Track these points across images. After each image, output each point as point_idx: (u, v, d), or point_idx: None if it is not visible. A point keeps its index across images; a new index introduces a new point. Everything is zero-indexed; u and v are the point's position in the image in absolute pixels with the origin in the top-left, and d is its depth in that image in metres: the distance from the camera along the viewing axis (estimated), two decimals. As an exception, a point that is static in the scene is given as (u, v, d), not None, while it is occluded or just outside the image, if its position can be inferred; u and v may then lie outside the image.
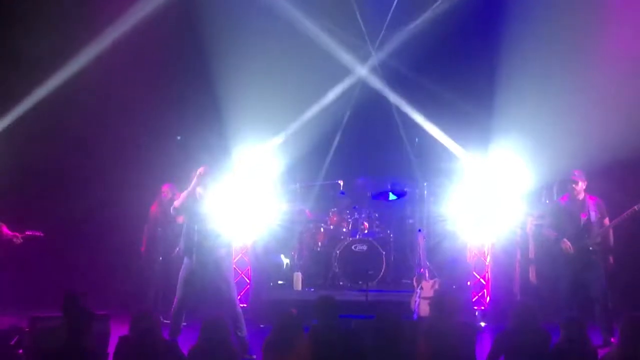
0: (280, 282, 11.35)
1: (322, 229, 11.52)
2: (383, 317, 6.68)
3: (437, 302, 7.10)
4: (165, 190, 10.50)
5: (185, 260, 8.64)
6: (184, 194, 8.50)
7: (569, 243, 9.03)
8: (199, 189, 8.48)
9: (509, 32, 10.78)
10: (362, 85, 11.71)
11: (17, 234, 9.46)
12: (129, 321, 6.70)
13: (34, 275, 10.61)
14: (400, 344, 6.47)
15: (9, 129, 10.64)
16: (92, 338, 6.50)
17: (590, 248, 9.04)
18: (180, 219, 9.22)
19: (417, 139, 11.36)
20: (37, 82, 10.73)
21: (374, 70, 11.74)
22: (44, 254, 10.49)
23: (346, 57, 11.44)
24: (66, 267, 10.89)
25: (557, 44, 10.62)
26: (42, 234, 9.84)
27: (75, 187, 11.30)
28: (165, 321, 8.12)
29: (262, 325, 9.81)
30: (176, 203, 8.55)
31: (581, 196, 9.16)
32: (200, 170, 8.54)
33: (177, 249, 9.66)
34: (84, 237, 11.19)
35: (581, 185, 9.11)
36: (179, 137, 11.32)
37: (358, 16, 11.53)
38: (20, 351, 7.40)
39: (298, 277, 11.08)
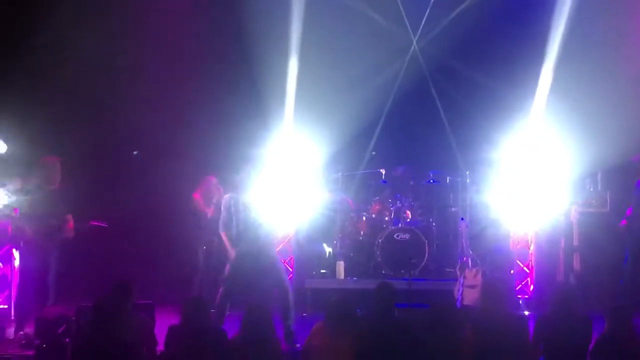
0: (322, 271, 11.20)
1: (364, 218, 11.41)
2: (437, 306, 6.74)
3: (484, 292, 7.03)
4: (210, 181, 10.48)
5: (236, 252, 8.63)
6: (223, 215, 8.59)
7: None
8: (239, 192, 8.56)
9: (554, 16, 10.57)
10: (404, 73, 11.69)
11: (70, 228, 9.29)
12: (180, 308, 6.74)
13: (81, 264, 10.57)
14: (453, 333, 6.45)
15: (61, 121, 10.79)
16: (128, 328, 6.56)
17: None
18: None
19: (373, 152, 11.51)
20: (91, 76, 10.81)
21: (415, 58, 11.70)
22: (90, 244, 10.35)
23: (387, 46, 11.43)
24: (112, 256, 10.89)
25: (607, 28, 10.41)
26: (106, 225, 9.82)
27: (121, 177, 11.38)
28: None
29: (304, 314, 9.79)
30: (221, 227, 8.66)
31: None
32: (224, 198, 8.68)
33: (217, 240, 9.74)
34: (130, 227, 11.21)
35: None
36: (135, 152, 11.46)
37: (399, 3, 11.47)
38: (67, 340, 7.52)
39: (340, 266, 10.93)
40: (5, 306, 9.61)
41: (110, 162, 11.37)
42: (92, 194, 10.36)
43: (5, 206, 8.97)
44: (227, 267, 8.62)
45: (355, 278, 10.95)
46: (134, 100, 11.00)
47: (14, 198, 8.97)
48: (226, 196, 8.69)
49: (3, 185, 9.03)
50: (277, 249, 9.53)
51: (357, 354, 6.40)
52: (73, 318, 7.82)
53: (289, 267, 10.51)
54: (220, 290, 8.57)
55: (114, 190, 11.02)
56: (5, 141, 9.79)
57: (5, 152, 9.77)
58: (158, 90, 11.13)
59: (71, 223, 9.08)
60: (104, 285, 7.25)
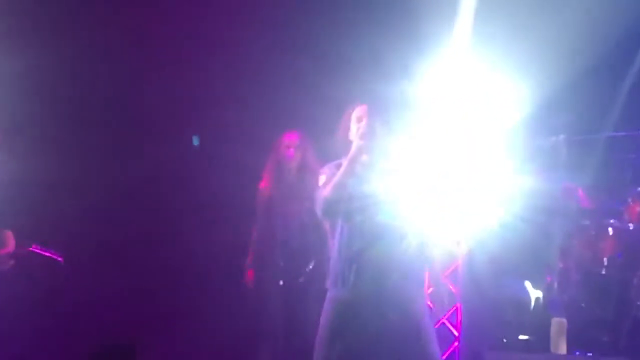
0: (522, 337, 9.64)
1: (610, 231, 9.50)
2: None
3: None
4: (290, 142, 9.02)
5: (333, 291, 6.99)
6: (340, 173, 6.91)
7: None
8: (360, 152, 6.96)
9: None
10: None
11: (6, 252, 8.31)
12: None
13: (44, 310, 9.30)
14: None
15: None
16: None
17: None
18: None
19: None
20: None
21: None
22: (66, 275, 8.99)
23: None
24: (119, 293, 9.66)
25: None
26: (61, 260, 8.67)
27: (126, 153, 10.19)
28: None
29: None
30: (327, 193, 6.97)
31: None
32: (357, 113, 7.07)
33: (312, 264, 8.74)
34: (143, 249, 9.96)
35: None
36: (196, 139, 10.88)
37: None
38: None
39: (561, 327, 9.16)
40: None
41: (112, 131, 10.10)
42: (72, 186, 9.34)
43: None
44: (322, 323, 6.89)
45: (589, 354, 9.18)
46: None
47: None
48: (327, 167, 7.27)
49: None
50: (429, 290, 9.10)
51: None
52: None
53: (452, 327, 9.45)
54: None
55: (113, 180, 9.90)
56: None
57: None
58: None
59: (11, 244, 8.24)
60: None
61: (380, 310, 6.79)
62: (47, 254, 8.53)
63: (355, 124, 6.91)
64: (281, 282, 8.72)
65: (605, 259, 9.54)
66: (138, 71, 10.23)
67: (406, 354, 6.79)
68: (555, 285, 9.68)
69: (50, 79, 9.73)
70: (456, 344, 9.30)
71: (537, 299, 9.70)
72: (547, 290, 9.67)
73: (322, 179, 7.05)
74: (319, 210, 6.89)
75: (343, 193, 6.81)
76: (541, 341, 9.38)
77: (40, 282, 9.09)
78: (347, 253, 6.81)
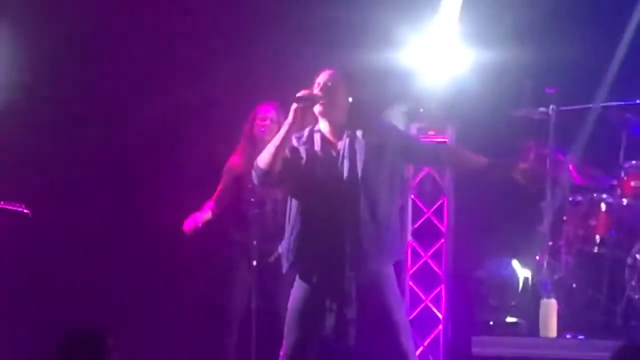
0: (510, 319, 9.25)
1: (603, 207, 9.14)
2: None
3: None
4: (266, 115, 8.74)
5: (299, 277, 7.07)
6: (279, 136, 6.70)
7: None
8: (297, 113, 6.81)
9: None
10: None
11: None
12: None
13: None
14: None
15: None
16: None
17: None
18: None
19: None
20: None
21: None
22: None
23: None
24: (68, 280, 9.43)
25: None
26: (28, 212, 8.26)
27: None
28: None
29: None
30: (263, 158, 6.70)
31: None
32: (320, 78, 6.83)
33: (279, 250, 8.01)
34: (107, 225, 9.68)
35: None
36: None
37: None
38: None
39: (550, 309, 8.81)
40: None
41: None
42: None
43: None
44: (290, 306, 6.92)
45: (581, 337, 8.79)
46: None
47: None
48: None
49: None
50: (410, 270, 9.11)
51: None
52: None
53: (435, 309, 9.21)
54: (282, 351, 7.09)
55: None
56: None
57: None
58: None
59: None
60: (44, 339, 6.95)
61: (341, 286, 6.65)
62: (13, 208, 8.06)
63: (319, 85, 6.67)
64: (254, 263, 8.50)
65: (597, 237, 9.18)
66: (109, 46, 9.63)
67: (375, 329, 6.68)
68: (545, 264, 9.34)
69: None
70: (440, 326, 9.09)
71: (526, 279, 9.45)
72: (536, 270, 9.38)
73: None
74: (256, 173, 6.61)
75: (276, 159, 6.53)
76: (530, 324, 9.07)
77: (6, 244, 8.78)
78: (308, 238, 6.66)
